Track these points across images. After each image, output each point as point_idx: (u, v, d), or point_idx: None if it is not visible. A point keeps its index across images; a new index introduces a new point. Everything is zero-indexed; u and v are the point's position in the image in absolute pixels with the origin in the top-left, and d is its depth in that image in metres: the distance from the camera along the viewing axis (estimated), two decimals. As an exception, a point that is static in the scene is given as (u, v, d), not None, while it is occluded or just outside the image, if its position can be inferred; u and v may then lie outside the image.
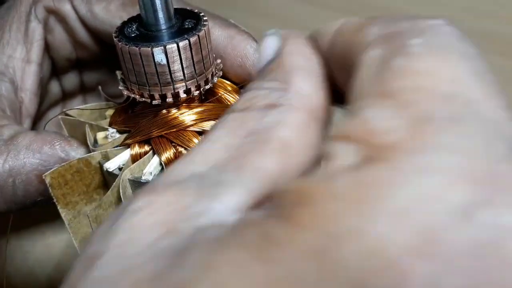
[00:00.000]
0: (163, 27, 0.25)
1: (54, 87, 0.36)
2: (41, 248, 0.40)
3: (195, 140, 0.26)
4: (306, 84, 0.17)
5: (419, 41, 0.15)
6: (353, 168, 0.13)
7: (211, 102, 0.28)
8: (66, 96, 0.38)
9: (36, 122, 0.34)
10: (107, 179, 0.27)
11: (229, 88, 0.29)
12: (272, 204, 0.13)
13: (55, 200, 0.25)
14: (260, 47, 0.20)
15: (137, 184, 0.26)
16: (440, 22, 0.16)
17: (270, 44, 0.19)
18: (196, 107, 0.27)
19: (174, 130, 0.26)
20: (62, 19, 0.32)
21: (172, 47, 0.24)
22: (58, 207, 0.26)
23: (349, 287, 0.11)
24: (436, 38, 0.15)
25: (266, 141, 0.16)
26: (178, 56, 0.25)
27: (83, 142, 0.28)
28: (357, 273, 0.11)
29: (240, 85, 0.30)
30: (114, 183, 0.25)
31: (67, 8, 0.32)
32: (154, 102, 0.26)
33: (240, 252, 0.12)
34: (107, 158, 0.26)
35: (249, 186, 0.14)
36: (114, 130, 0.28)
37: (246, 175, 0.15)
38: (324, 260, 0.11)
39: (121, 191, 0.25)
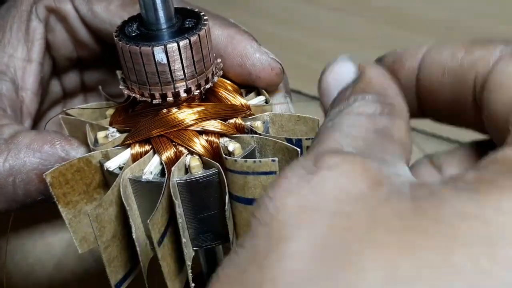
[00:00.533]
0: (164, 26, 0.25)
1: (55, 87, 0.36)
2: (41, 247, 0.40)
3: (196, 140, 0.26)
4: (398, 99, 0.22)
5: None
6: None
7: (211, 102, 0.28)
8: (66, 95, 0.38)
9: (36, 122, 0.34)
10: (107, 179, 0.27)
11: (229, 88, 0.29)
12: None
13: (55, 199, 0.25)
14: (332, 67, 0.24)
15: (138, 183, 0.26)
16: None
17: (347, 69, 0.23)
18: (197, 106, 0.27)
19: (175, 129, 0.26)
20: (63, 19, 0.32)
21: (172, 46, 0.24)
22: (59, 206, 0.26)
23: None
24: None
25: (390, 136, 0.20)
26: (179, 56, 0.25)
27: (84, 142, 0.28)
28: None
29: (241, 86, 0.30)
30: (114, 183, 0.25)
31: (68, 8, 0.32)
32: (155, 102, 0.26)
33: None
34: (107, 157, 0.26)
35: (403, 161, 0.20)
36: (115, 129, 0.28)
37: (397, 154, 0.19)
38: None
39: (121, 190, 0.25)
